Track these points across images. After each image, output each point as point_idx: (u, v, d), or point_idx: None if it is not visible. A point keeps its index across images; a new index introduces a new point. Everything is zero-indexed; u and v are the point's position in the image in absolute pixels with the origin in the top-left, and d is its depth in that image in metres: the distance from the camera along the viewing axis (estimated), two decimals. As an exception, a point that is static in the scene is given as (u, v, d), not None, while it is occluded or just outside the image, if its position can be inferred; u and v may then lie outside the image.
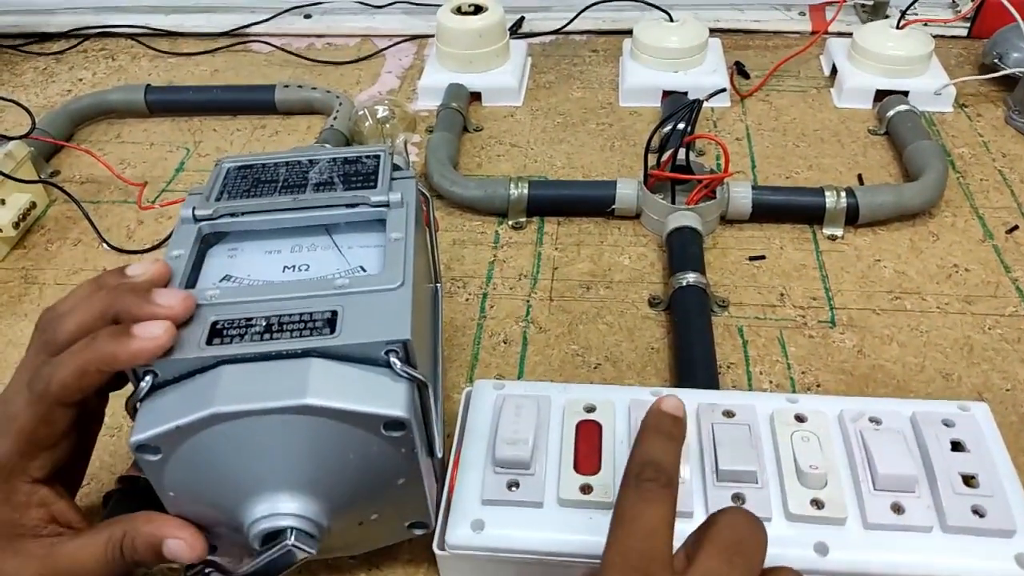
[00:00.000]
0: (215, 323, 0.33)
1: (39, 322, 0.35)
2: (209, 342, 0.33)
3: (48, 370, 0.33)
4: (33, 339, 0.35)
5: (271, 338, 0.33)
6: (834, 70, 0.81)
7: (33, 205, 0.66)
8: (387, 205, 0.40)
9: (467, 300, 0.58)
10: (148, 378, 0.33)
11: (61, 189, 0.68)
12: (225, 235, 0.40)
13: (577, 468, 0.40)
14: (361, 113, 0.72)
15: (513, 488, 0.39)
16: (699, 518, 0.38)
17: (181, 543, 0.34)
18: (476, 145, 0.75)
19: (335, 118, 0.74)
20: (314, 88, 0.79)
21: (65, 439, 0.35)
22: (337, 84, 0.85)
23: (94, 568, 0.34)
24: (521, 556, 0.38)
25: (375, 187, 0.40)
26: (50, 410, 0.33)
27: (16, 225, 0.64)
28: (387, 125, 0.72)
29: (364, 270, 0.37)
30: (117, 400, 0.37)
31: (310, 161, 0.43)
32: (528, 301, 0.58)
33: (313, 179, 0.41)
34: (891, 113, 0.73)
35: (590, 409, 0.43)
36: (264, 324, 0.33)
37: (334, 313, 0.33)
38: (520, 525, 0.39)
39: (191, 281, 0.37)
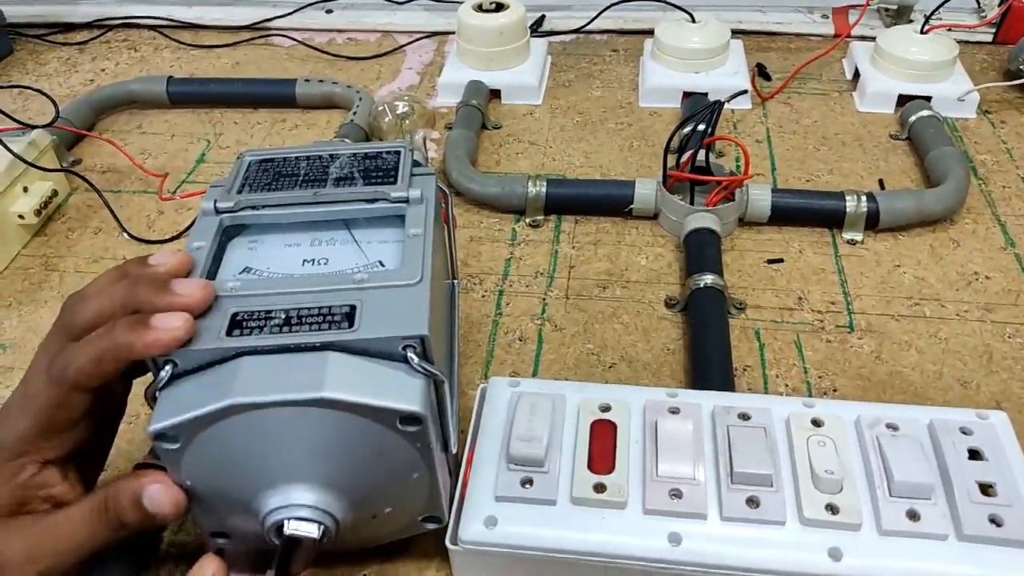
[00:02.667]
0: (235, 315, 0.34)
1: (63, 305, 0.36)
2: (229, 333, 0.33)
3: (67, 355, 0.33)
4: (55, 321, 0.36)
5: (290, 331, 0.33)
6: (856, 74, 0.81)
7: (55, 193, 0.67)
8: (407, 201, 0.40)
9: (483, 297, 0.58)
10: (168, 367, 0.33)
11: (83, 178, 0.69)
12: (246, 228, 0.40)
13: (591, 467, 0.40)
14: (381, 108, 0.72)
15: (527, 485, 0.39)
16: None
17: (159, 487, 0.33)
18: (495, 143, 0.75)
19: (355, 113, 0.74)
20: (335, 83, 0.80)
21: (82, 423, 0.35)
22: (357, 79, 0.86)
23: (82, 533, 0.34)
24: (533, 553, 0.38)
25: (395, 183, 0.40)
26: (67, 395, 0.34)
27: (38, 213, 0.64)
28: (406, 121, 0.72)
29: (382, 265, 0.37)
30: (135, 388, 0.37)
31: (331, 156, 0.43)
32: (544, 299, 0.58)
33: (333, 174, 0.41)
34: (913, 118, 0.72)
35: (605, 408, 0.43)
36: (283, 317, 0.33)
37: (352, 307, 0.34)
38: (533, 522, 0.39)
39: (211, 273, 0.37)
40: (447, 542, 0.39)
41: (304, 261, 0.38)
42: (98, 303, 0.34)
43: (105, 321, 0.34)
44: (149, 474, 0.34)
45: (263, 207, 0.40)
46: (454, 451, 0.38)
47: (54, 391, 0.34)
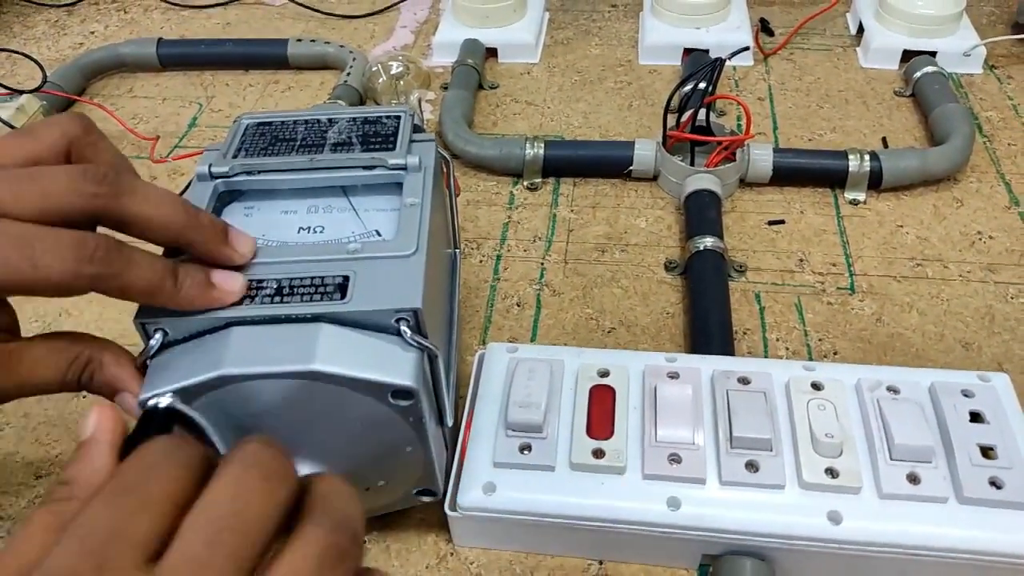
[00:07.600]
0: (227, 283, 0.33)
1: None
2: (220, 302, 0.32)
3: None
4: None
5: (281, 301, 0.32)
6: (860, 29, 0.79)
7: (46, 160, 0.66)
8: (405, 168, 0.39)
9: (481, 262, 0.57)
10: (158, 336, 0.32)
11: (74, 144, 0.68)
12: (242, 193, 0.40)
13: (590, 432, 0.40)
14: (375, 69, 0.71)
15: (525, 451, 0.39)
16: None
17: (135, 400, 0.32)
18: (491, 103, 0.73)
19: (348, 74, 0.73)
20: (327, 43, 0.78)
21: None
22: (351, 39, 0.84)
23: (49, 381, 0.32)
24: (532, 519, 0.38)
25: (394, 149, 0.39)
26: None
27: (29, 180, 0.63)
28: (401, 82, 0.70)
29: (379, 234, 0.37)
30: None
31: (330, 120, 0.42)
32: (542, 263, 0.57)
33: (331, 139, 0.40)
34: (918, 75, 0.71)
35: (604, 374, 0.43)
36: (275, 287, 0.33)
37: (346, 278, 0.33)
38: (531, 488, 0.39)
39: None
40: (446, 509, 0.39)
41: (300, 229, 0.38)
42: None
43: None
44: (132, 377, 0.33)
45: (259, 172, 0.39)
46: (451, 424, 0.37)
47: None
